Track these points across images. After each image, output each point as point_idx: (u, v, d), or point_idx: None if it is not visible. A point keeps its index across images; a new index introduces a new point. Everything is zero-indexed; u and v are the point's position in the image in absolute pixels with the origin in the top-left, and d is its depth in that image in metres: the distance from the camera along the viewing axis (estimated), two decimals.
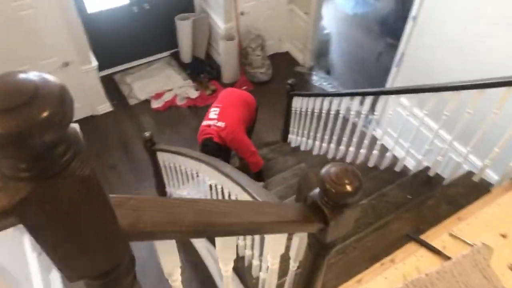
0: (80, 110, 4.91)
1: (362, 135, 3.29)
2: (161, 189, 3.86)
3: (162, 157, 3.45)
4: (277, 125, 4.59)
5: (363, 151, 3.28)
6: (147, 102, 5.28)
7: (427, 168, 2.93)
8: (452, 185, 2.64)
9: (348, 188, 0.89)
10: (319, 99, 3.51)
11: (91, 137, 4.82)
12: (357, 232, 2.34)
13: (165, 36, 5.67)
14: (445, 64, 3.31)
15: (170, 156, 3.15)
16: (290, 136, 4.38)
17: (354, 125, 3.28)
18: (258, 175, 3.64)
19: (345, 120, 3.39)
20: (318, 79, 5.57)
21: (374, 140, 3.30)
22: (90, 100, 4.91)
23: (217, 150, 3.27)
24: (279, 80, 5.23)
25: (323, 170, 0.93)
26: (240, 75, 5.46)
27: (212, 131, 3.32)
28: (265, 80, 5.53)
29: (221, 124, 3.34)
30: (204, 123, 3.46)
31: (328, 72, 5.52)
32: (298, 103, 3.90)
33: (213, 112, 3.47)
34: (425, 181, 2.86)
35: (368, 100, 3.00)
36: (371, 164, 3.29)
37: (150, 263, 2.80)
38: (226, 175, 2.00)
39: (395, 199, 2.68)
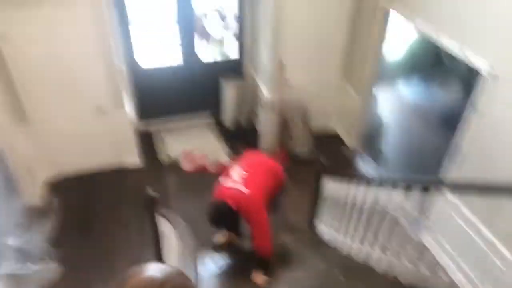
0: (108, 159, 4.77)
1: (405, 238, 2.64)
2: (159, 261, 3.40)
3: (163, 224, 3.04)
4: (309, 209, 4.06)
5: (406, 263, 2.56)
6: (177, 162, 5.04)
7: None
8: None
9: None
10: (354, 186, 2.99)
11: (112, 188, 4.61)
12: None
13: (210, 97, 5.58)
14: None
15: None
16: (319, 224, 3.81)
17: (395, 223, 2.63)
18: (262, 265, 3.07)
19: (384, 215, 2.77)
20: (364, 165, 5.03)
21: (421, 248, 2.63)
22: (120, 149, 4.77)
23: (227, 216, 2.85)
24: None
25: None
26: (278, 148, 5.09)
27: (232, 194, 2.87)
28: (305, 157, 5.10)
29: (245, 190, 2.89)
30: (224, 183, 3.01)
31: (375, 159, 4.98)
32: (329, 186, 3.39)
33: (238, 174, 3.02)
34: None
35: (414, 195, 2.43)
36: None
37: None
38: None
39: None
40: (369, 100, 4.93)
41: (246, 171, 3.04)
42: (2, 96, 3.85)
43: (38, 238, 3.93)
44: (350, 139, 5.29)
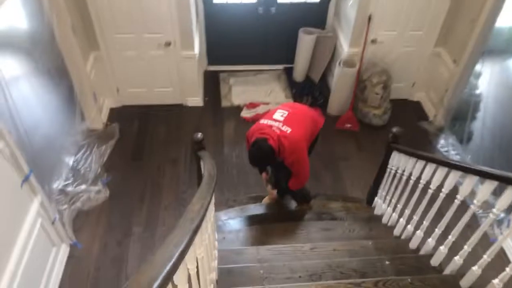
0: (170, 95, 4.69)
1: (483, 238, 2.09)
2: None
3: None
4: (370, 183, 3.61)
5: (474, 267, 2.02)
6: (238, 108, 4.80)
7: None
8: None
9: None
10: (422, 164, 2.49)
11: (169, 124, 4.55)
12: None
13: (284, 48, 5.16)
14: None
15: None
16: (376, 199, 3.35)
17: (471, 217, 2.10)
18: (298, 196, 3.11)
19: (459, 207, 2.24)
20: (445, 145, 4.35)
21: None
22: (183, 88, 4.65)
23: (267, 155, 2.63)
24: None
25: None
26: (348, 110, 4.59)
27: (272, 133, 2.66)
28: (377, 125, 4.55)
29: (286, 129, 2.69)
30: (264, 121, 2.80)
31: (461, 140, 4.26)
32: (396, 160, 2.90)
33: (279, 114, 2.81)
34: None
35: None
36: None
37: None
38: None
39: None
40: (468, 72, 4.15)
41: (287, 111, 2.86)
42: (77, 22, 3.86)
43: (93, 160, 4.02)
44: (434, 113, 4.59)
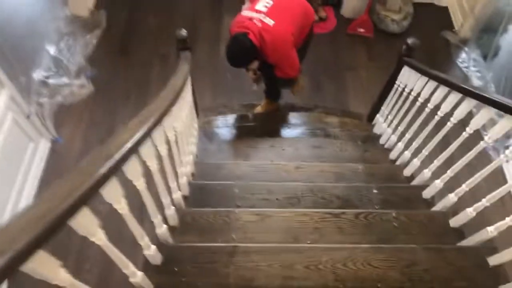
0: None
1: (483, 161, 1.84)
2: None
3: None
4: (375, 97, 3.28)
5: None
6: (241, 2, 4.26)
7: None
8: None
9: None
10: (434, 85, 2.14)
11: (161, 15, 4.09)
12: None
13: None
14: None
15: None
16: (378, 117, 3.06)
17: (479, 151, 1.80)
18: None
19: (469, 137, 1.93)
20: (466, 60, 3.88)
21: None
22: None
23: (246, 52, 2.33)
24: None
25: None
26: (364, 13, 4.03)
27: (253, 26, 2.31)
28: (394, 32, 4.03)
29: (269, 21, 2.31)
30: (246, 13, 2.42)
31: (485, 56, 3.78)
32: (406, 77, 2.53)
33: (263, 4, 2.40)
34: None
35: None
36: None
37: None
38: None
39: None
40: None
41: (273, 1, 2.41)
42: None
43: (77, 51, 3.68)
44: (462, 23, 4.02)
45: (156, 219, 1.47)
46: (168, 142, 1.48)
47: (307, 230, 1.82)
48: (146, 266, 1.51)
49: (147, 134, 1.14)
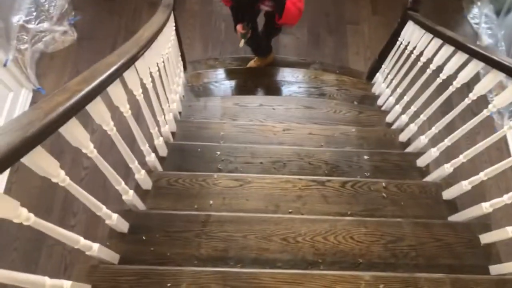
0: None
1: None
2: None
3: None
4: (377, 55, 3.05)
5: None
6: None
7: None
8: None
9: None
10: (438, 44, 1.93)
11: None
12: None
13: None
14: None
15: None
16: (378, 75, 2.86)
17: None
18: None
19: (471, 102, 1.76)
20: (478, 15, 3.59)
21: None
22: None
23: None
24: None
25: None
26: None
27: None
28: None
29: None
30: None
31: (498, 12, 3.49)
32: (410, 33, 2.31)
33: None
34: None
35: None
36: None
37: None
38: None
39: None
40: None
41: None
42: None
43: None
44: None
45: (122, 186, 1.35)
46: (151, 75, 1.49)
47: (289, 198, 1.71)
48: (111, 233, 1.41)
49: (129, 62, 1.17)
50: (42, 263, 2.37)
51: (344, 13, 3.64)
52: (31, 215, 0.85)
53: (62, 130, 0.89)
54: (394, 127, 2.35)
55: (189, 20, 3.47)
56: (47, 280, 0.91)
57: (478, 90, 1.59)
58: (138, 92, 1.36)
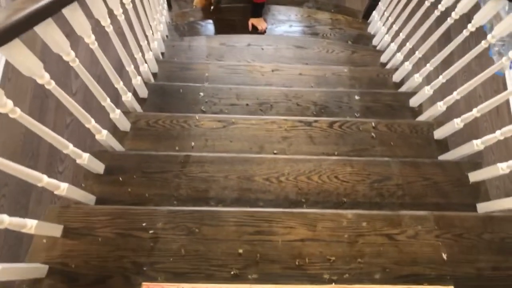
0: None
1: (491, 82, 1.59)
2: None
3: None
4: None
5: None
6: None
7: None
8: None
9: None
10: None
11: None
12: None
13: None
14: None
15: None
16: (374, 13, 2.70)
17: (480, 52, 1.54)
18: (258, 9, 2.58)
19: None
20: None
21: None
22: None
23: None
24: None
25: None
26: None
27: None
28: None
29: None
30: None
31: None
32: None
33: None
34: None
35: None
36: None
37: None
38: None
39: None
40: None
41: None
42: None
43: None
44: None
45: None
46: None
47: (274, 139, 1.64)
48: (86, 175, 1.36)
49: None
50: (32, 209, 2.36)
51: None
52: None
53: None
54: (388, 66, 2.24)
55: None
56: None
57: (478, 19, 1.47)
58: (119, 12, 1.30)
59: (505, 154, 2.43)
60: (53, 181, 1.05)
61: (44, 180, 1.00)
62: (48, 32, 0.94)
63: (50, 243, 1.14)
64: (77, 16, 1.04)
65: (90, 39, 1.15)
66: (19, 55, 0.85)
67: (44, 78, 0.97)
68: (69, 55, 1.05)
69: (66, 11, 0.98)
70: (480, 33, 2.68)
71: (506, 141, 2.47)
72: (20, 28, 0.81)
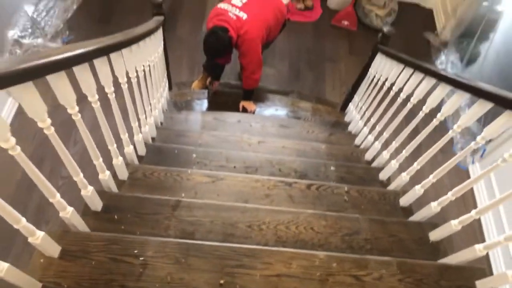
0: None
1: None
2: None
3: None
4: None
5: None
6: None
7: None
8: None
9: None
10: (409, 73, 2.12)
11: None
12: None
13: None
14: None
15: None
16: (350, 105, 3.08)
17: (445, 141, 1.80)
18: (249, 95, 2.95)
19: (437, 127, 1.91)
20: (444, 61, 3.93)
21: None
22: None
23: (225, 46, 2.47)
24: (397, 37, 3.72)
25: None
26: (349, 5, 4.05)
27: (231, 20, 2.44)
28: (377, 27, 4.06)
29: (243, 15, 2.45)
30: (222, 5, 2.53)
31: (462, 60, 3.83)
32: (381, 65, 2.54)
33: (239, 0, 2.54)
34: None
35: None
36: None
37: None
38: None
39: None
40: None
41: None
42: None
43: (56, 14, 3.63)
44: (444, 26, 4.07)
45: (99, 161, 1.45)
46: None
47: (258, 195, 1.82)
48: (85, 211, 1.49)
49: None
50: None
51: (323, 50, 3.93)
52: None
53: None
54: (361, 147, 2.52)
55: (178, 45, 3.69)
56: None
57: (446, 110, 1.69)
58: (123, 80, 1.50)
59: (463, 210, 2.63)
60: (62, 201, 1.19)
61: (56, 197, 1.14)
62: (59, 82, 1.03)
63: (46, 263, 1.23)
64: (85, 75, 1.16)
65: (93, 98, 1.25)
66: (29, 97, 0.92)
67: (45, 123, 1.03)
68: (73, 109, 1.16)
69: (77, 69, 1.12)
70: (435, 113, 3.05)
71: (463, 198, 2.69)
72: (36, 73, 0.88)
